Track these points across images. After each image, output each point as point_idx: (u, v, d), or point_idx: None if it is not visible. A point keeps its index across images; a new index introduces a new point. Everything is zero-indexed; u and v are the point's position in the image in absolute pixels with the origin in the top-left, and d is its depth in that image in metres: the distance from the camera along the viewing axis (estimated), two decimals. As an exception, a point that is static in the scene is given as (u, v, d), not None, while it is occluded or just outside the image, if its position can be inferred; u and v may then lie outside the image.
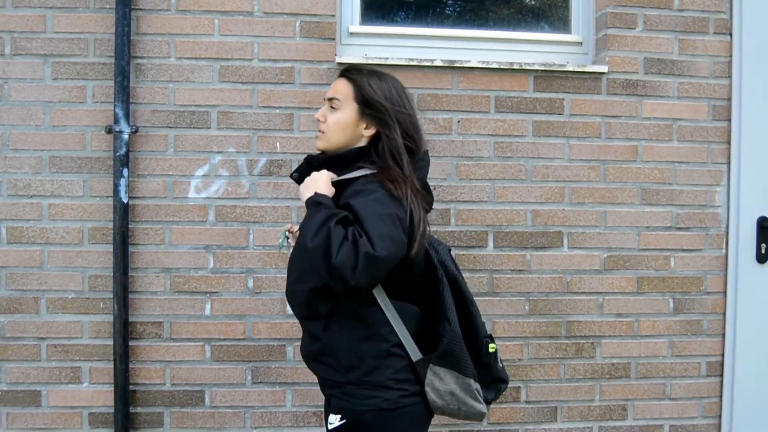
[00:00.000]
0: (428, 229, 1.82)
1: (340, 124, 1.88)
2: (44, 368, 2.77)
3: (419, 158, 1.88)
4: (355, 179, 1.81)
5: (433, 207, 2.80)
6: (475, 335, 1.90)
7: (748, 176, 3.01)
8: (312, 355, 1.89)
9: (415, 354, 1.81)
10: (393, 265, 1.67)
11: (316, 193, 1.75)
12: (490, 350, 1.90)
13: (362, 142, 1.88)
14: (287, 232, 2.13)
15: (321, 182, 1.79)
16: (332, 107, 1.90)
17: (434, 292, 1.85)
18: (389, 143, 1.82)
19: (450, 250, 1.99)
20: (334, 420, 1.82)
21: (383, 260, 1.61)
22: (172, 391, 2.81)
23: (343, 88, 1.89)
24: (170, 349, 2.80)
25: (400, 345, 1.81)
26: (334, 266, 1.59)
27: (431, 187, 1.97)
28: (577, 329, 2.97)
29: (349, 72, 1.92)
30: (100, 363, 2.78)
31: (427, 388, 1.80)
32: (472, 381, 1.83)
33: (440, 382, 1.80)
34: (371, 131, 1.86)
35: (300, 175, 1.92)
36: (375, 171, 1.80)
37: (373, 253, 1.59)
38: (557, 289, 2.95)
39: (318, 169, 1.86)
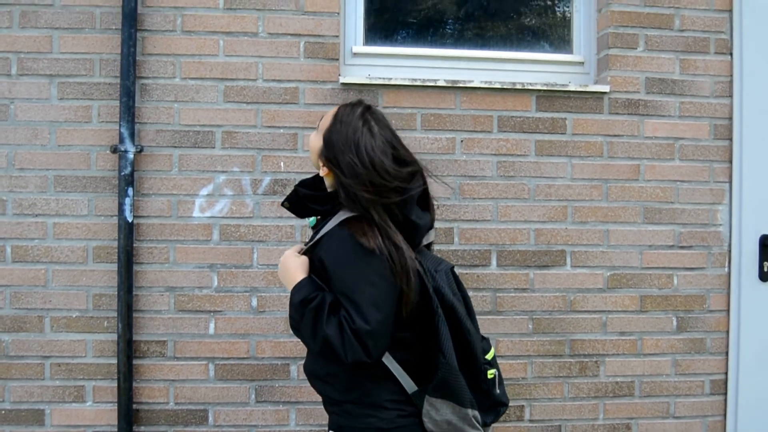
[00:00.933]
0: (412, 275, 1.73)
1: (311, 148, 1.90)
2: (48, 387, 2.77)
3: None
4: (330, 216, 1.81)
5: (437, 226, 2.83)
6: (474, 362, 1.86)
7: (750, 195, 3.02)
8: (314, 374, 1.90)
9: (409, 386, 1.80)
10: (393, 315, 1.71)
11: (293, 290, 1.77)
12: (489, 376, 1.89)
13: (327, 180, 1.87)
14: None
15: (291, 269, 1.80)
16: None
17: (429, 323, 1.79)
18: (345, 192, 1.76)
19: (452, 269, 1.95)
20: None
21: (382, 325, 1.68)
22: (175, 409, 2.81)
23: (326, 119, 1.85)
24: (174, 368, 2.80)
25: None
26: (352, 363, 1.68)
27: (435, 205, 1.95)
28: (581, 348, 2.97)
29: (347, 107, 1.84)
30: (103, 382, 2.78)
31: (425, 418, 1.79)
32: (469, 410, 1.80)
33: (437, 413, 1.79)
34: (324, 171, 1.83)
35: (291, 204, 1.92)
36: (349, 216, 1.76)
37: (370, 329, 1.65)
38: (560, 308, 2.96)
39: (302, 201, 1.88)
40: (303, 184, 1.92)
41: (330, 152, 1.78)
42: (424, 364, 1.82)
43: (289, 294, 1.97)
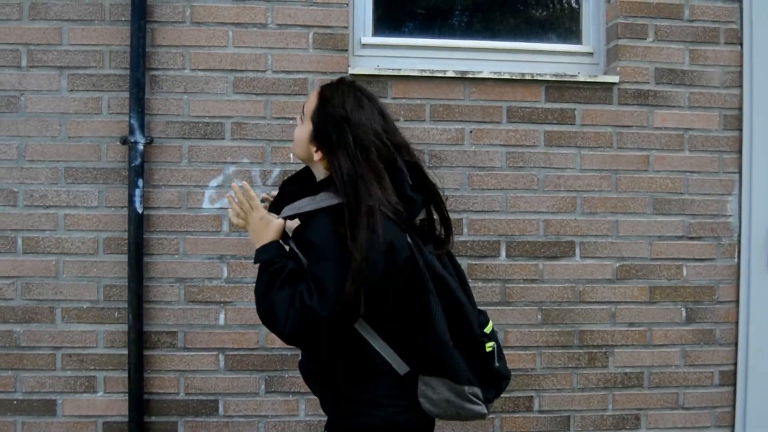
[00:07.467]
0: (371, 269, 1.64)
1: (297, 139, 1.83)
2: (59, 377, 2.78)
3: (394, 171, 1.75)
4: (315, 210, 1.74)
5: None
6: (470, 336, 1.78)
7: (760, 185, 3.01)
8: (309, 372, 1.87)
9: (401, 368, 1.76)
10: (354, 312, 1.64)
11: (260, 250, 1.73)
12: (488, 349, 1.80)
13: (319, 168, 1.81)
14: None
15: (263, 227, 1.76)
16: (300, 119, 1.84)
17: (420, 299, 1.72)
18: (339, 173, 1.69)
19: None
20: None
21: (336, 315, 1.62)
22: (186, 400, 2.82)
23: (310, 103, 1.80)
24: (184, 359, 2.81)
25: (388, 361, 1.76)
26: (286, 337, 1.65)
27: (444, 196, 1.94)
28: (590, 338, 2.97)
29: (330, 86, 1.80)
30: (114, 372, 2.79)
31: (421, 399, 1.74)
32: (466, 387, 1.74)
33: (433, 392, 1.74)
34: (319, 155, 1.76)
35: (277, 206, 1.87)
36: (333, 204, 1.70)
37: (324, 316, 1.60)
38: (570, 299, 2.96)
39: (288, 201, 1.80)
40: (289, 182, 1.88)
41: (322, 133, 1.74)
42: (415, 342, 1.74)
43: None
